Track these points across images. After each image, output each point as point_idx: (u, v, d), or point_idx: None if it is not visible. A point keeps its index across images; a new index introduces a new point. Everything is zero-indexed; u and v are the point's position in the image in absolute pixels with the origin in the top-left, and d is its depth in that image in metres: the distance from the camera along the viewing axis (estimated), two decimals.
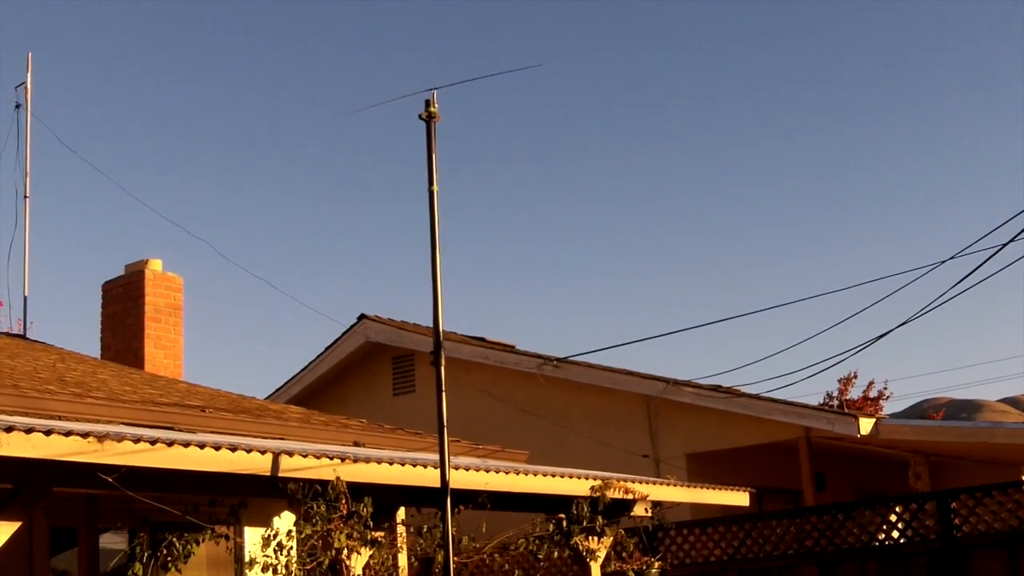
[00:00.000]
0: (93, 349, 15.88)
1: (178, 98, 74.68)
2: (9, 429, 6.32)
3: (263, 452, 7.72)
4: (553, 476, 10.27)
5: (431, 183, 8.15)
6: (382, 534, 8.71)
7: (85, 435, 6.63)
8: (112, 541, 10.58)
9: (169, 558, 7.81)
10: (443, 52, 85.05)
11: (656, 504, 11.73)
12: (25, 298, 16.85)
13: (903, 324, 14.13)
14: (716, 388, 17.39)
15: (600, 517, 10.56)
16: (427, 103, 8.14)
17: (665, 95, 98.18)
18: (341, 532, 7.92)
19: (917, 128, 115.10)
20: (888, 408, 36.01)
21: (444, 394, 7.85)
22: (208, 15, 74.26)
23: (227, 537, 8.19)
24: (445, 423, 7.86)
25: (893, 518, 14.06)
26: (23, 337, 16.23)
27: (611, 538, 11.06)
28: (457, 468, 9.04)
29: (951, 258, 13.62)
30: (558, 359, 18.44)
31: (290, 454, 7.92)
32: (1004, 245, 12.44)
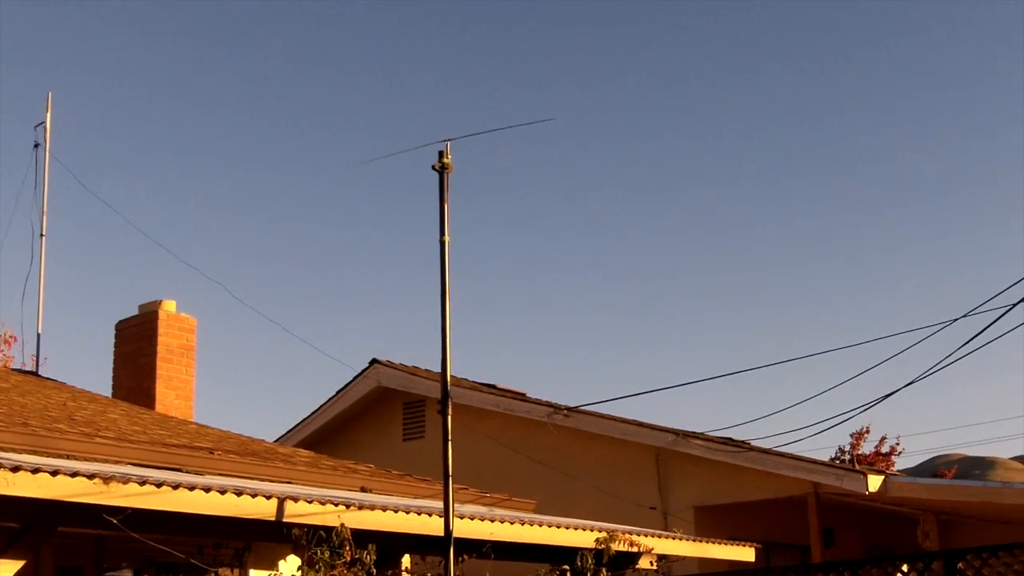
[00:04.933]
0: (105, 387, 15.97)
1: (198, 136, 75.24)
2: (15, 469, 6.38)
3: (268, 497, 7.75)
4: (558, 527, 10.27)
5: (443, 233, 8.22)
6: None
7: (91, 476, 6.68)
8: None
9: None
10: (461, 86, 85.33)
11: (662, 557, 11.70)
12: (39, 335, 16.96)
13: (908, 385, 14.18)
14: (726, 441, 17.34)
15: (604, 569, 10.51)
16: (440, 154, 8.24)
17: (669, 136, 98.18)
18: None
19: (929, 183, 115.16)
20: (900, 464, 35.83)
21: (450, 443, 7.89)
22: (233, 52, 74.90)
23: None
24: (450, 472, 7.89)
25: None
26: (35, 374, 16.32)
27: None
28: (462, 517, 9.05)
29: (963, 316, 13.66)
30: (568, 408, 18.42)
31: (295, 500, 7.95)
32: (1013, 306, 12.45)
